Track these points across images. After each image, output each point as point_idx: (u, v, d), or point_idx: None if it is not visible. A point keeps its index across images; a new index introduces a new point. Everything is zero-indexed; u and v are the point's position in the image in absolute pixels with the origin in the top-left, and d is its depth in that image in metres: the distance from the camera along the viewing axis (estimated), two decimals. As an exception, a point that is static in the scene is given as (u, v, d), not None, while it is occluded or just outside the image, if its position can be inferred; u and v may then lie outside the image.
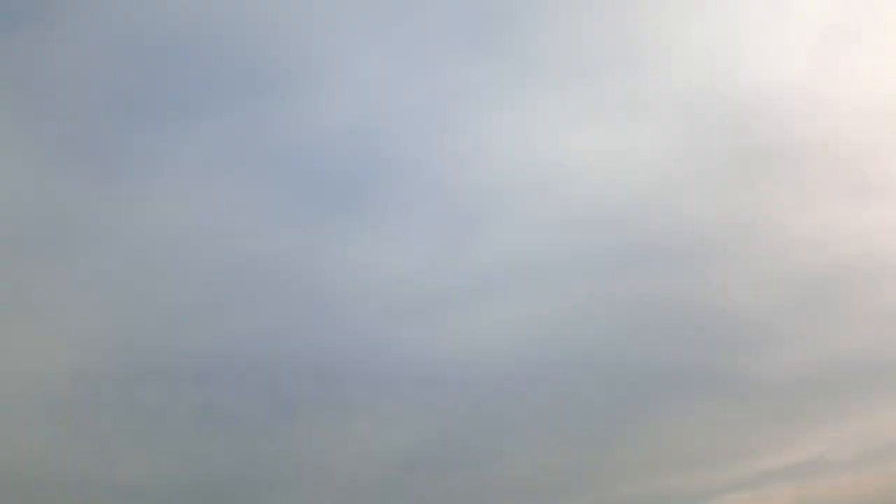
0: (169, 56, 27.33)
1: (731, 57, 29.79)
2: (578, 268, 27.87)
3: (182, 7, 27.49)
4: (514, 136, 29.26)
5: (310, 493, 23.61)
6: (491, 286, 27.60)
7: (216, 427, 23.91)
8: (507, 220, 28.67)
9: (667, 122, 29.51)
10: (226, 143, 27.54)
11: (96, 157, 26.45)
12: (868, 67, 29.57)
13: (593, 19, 29.79)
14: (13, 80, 26.05)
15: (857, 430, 26.49)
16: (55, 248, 24.94)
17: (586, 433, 25.99)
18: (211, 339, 24.72)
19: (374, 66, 29.03)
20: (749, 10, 30.03)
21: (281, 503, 23.36)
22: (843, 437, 26.46)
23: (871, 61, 29.61)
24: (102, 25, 26.90)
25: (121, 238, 25.63)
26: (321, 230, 27.47)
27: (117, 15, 26.95)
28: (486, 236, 28.36)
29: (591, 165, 29.17)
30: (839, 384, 26.79)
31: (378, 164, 28.41)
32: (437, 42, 29.08)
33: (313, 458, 24.25)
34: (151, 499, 22.33)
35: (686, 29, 29.81)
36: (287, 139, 27.99)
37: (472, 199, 28.61)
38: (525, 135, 29.23)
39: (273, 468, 23.71)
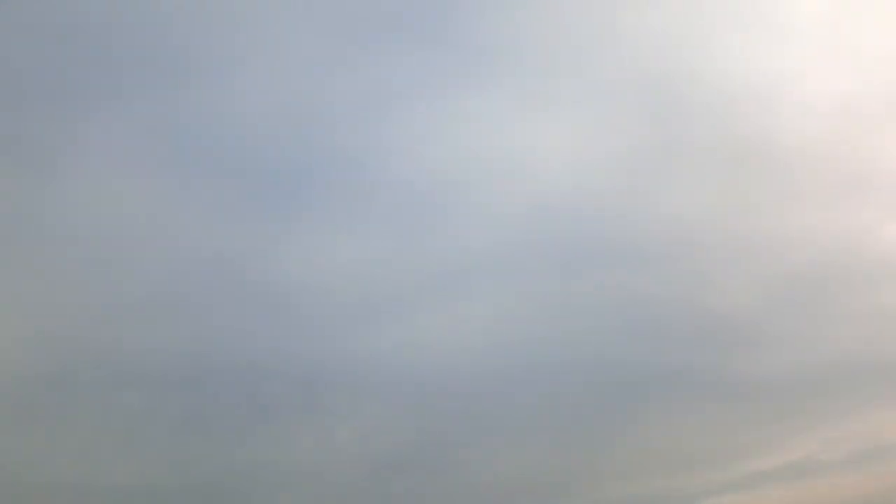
0: (90, 42, 25.41)
1: (695, 48, 28.82)
2: (546, 263, 27.15)
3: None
4: (461, 127, 28.14)
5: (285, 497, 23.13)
6: (456, 282, 26.77)
7: (160, 429, 23.27)
8: (463, 214, 27.77)
9: (626, 114, 28.64)
10: (154, 134, 26.08)
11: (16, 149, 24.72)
12: (839, 62, 28.86)
13: (546, 5, 28.69)
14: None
15: (849, 431, 26.42)
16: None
17: (573, 434, 25.60)
18: (148, 342, 23.77)
19: (305, 52, 27.31)
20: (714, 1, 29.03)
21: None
22: (835, 438, 26.40)
23: (843, 56, 28.89)
24: (9, 10, 24.92)
25: (54, 237, 24.34)
26: (266, 227, 26.41)
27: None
28: (443, 230, 27.45)
29: (544, 158, 28.27)
30: (831, 384, 26.61)
31: (316, 155, 27.11)
32: (375, 27, 27.69)
33: (284, 461, 23.65)
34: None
35: (647, 17, 28.73)
36: (218, 129, 26.45)
37: (423, 192, 27.53)
38: (474, 125, 28.17)
39: (244, 471, 23.14)
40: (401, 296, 26.12)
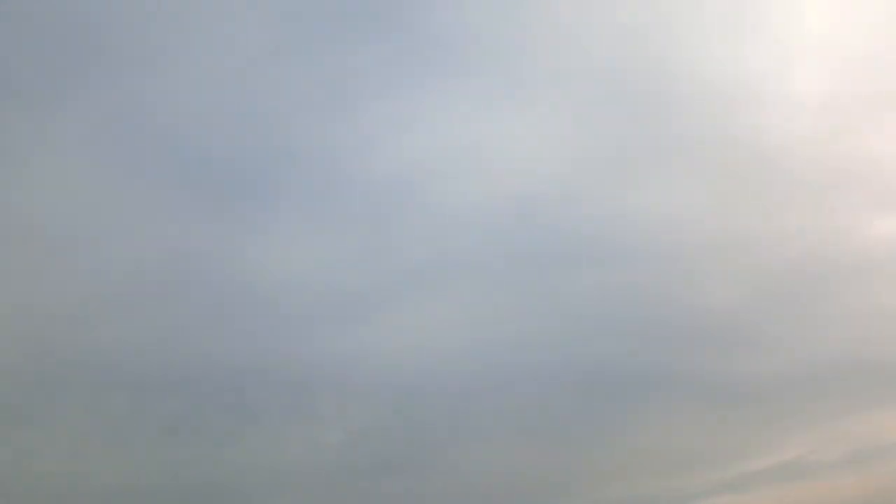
0: (49, 37, 24.53)
1: (675, 40, 28.25)
2: (525, 262, 26.69)
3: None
4: (431, 120, 27.52)
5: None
6: (432, 281, 26.28)
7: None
8: (438, 210, 27.11)
9: (603, 108, 28.12)
10: (116, 130, 25.30)
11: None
12: (822, 58, 28.62)
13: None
14: None
15: (844, 431, 26.19)
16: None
17: (564, 435, 25.21)
18: (103, 341, 23.24)
19: (267, 46, 26.53)
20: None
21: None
22: (830, 438, 26.17)
23: (825, 52, 28.63)
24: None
25: (12, 234, 23.73)
26: (232, 225, 25.82)
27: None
28: (417, 228, 26.89)
29: (519, 153, 27.72)
30: (826, 384, 26.34)
31: (270, 151, 26.48)
32: (333, 17, 26.84)
33: (261, 462, 23.23)
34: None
35: (624, 9, 27.99)
36: (181, 125, 25.79)
37: (395, 188, 26.95)
38: (446, 119, 27.53)
39: (215, 474, 22.68)
40: (374, 295, 25.78)
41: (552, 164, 27.45)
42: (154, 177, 25.51)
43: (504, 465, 24.43)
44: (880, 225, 27.42)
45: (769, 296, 27.13)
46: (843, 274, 27.18)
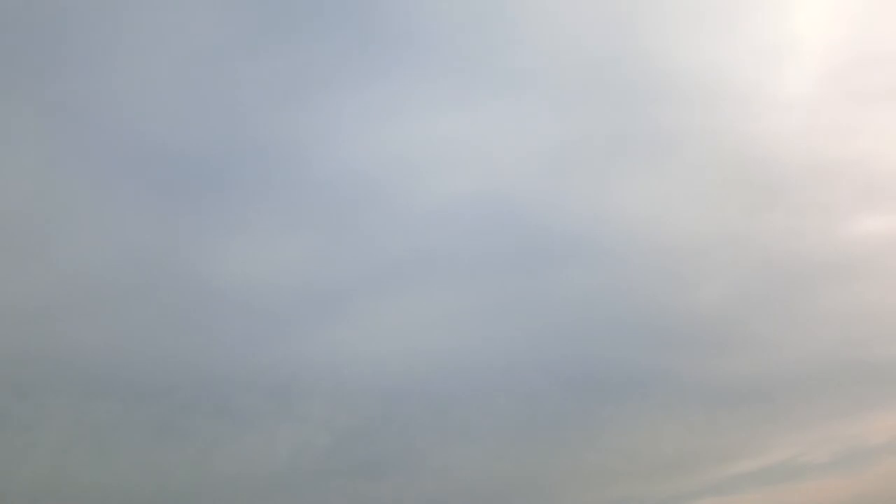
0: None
1: (640, 33, 27.75)
2: (491, 260, 26.22)
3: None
4: (394, 116, 26.94)
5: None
6: (404, 281, 25.78)
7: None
8: (399, 208, 26.53)
9: (574, 103, 27.57)
10: (71, 126, 24.51)
11: None
12: (785, 54, 28.30)
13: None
14: None
15: (829, 434, 26.07)
16: None
17: (548, 437, 24.80)
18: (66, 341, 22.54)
19: (230, 41, 25.81)
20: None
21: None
22: (815, 441, 26.02)
23: (790, 48, 28.28)
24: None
25: None
26: (193, 223, 25.02)
27: None
28: (380, 225, 26.37)
29: (484, 147, 27.25)
30: (810, 387, 26.20)
31: (239, 147, 25.81)
32: (291, 12, 26.18)
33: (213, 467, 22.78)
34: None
35: (592, 1, 27.64)
36: (138, 121, 24.97)
37: (356, 184, 26.35)
38: (407, 114, 26.97)
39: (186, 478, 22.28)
40: (350, 293, 25.32)
41: (532, 159, 27.15)
42: (117, 174, 24.87)
43: (489, 467, 24.04)
44: (864, 223, 27.32)
45: (755, 295, 26.91)
46: (828, 273, 27.06)
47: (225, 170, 25.64)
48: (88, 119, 24.67)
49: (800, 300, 26.97)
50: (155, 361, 22.66)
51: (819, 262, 27.06)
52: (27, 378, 21.89)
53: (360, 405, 23.96)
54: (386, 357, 24.38)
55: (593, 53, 27.47)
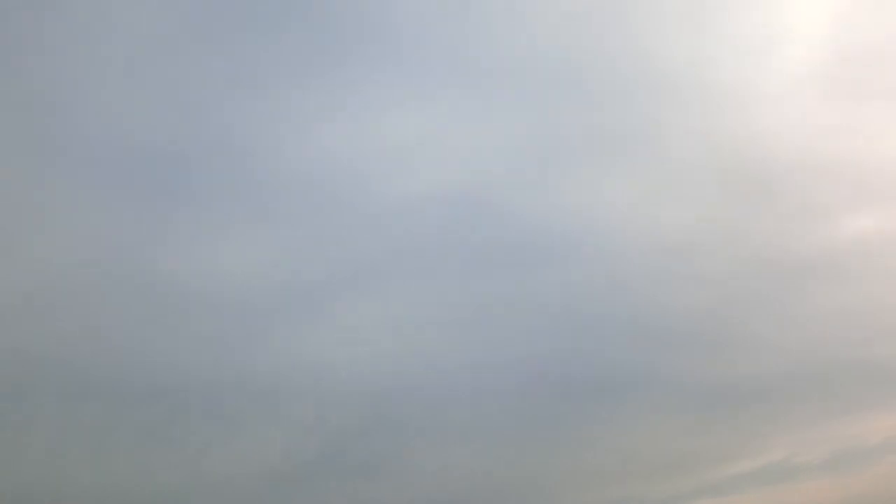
0: None
1: (607, 29, 27.39)
2: (467, 259, 25.86)
3: None
4: (355, 114, 26.46)
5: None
6: (367, 279, 25.41)
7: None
8: (366, 206, 26.07)
9: (536, 97, 27.08)
10: (19, 123, 23.93)
11: None
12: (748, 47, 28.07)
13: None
14: None
15: (827, 434, 25.91)
16: None
17: (536, 439, 24.58)
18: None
19: (181, 35, 25.12)
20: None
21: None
22: (808, 442, 25.94)
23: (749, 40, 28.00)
24: None
25: None
26: (155, 224, 24.55)
27: None
28: (348, 223, 25.92)
29: (447, 146, 26.85)
30: (803, 387, 26.10)
31: (199, 146, 25.20)
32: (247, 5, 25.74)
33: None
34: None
35: None
36: (89, 119, 24.34)
37: (320, 185, 25.83)
38: (365, 112, 26.47)
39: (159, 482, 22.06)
40: (326, 294, 24.98)
41: (504, 156, 26.87)
42: (70, 174, 24.28)
43: (476, 468, 23.96)
44: (856, 221, 27.30)
45: (747, 295, 26.77)
46: (821, 271, 26.95)
47: (195, 168, 25.33)
48: (42, 122, 24.23)
49: (793, 299, 26.87)
50: (131, 360, 22.53)
51: (812, 261, 27.04)
52: (16, 379, 21.91)
53: (347, 406, 23.86)
54: (370, 357, 24.22)
55: (572, 48, 27.21)
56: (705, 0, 27.63)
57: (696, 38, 27.67)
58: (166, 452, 22.46)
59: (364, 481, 23.38)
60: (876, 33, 27.44)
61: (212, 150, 25.51)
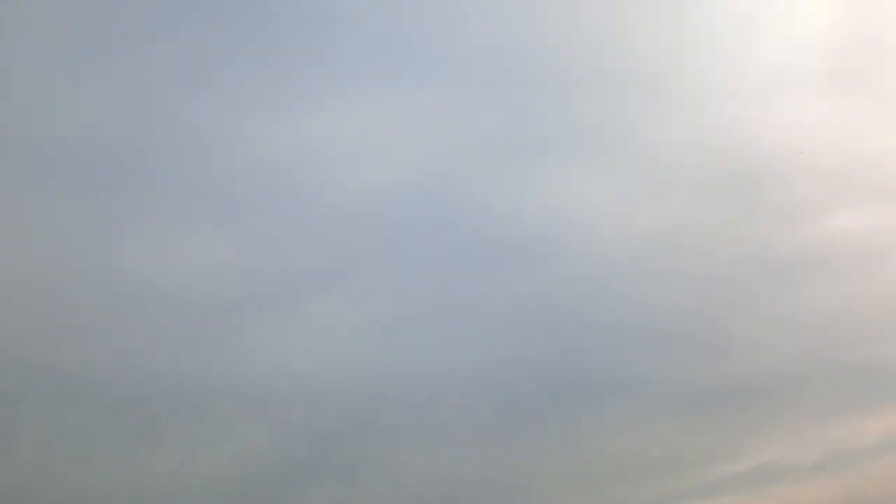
0: None
1: (556, 21, 26.72)
2: (428, 260, 25.17)
3: None
4: (308, 108, 25.69)
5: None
6: (328, 280, 24.79)
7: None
8: (319, 206, 25.37)
9: (483, 92, 26.44)
10: None
11: None
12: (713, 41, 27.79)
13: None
14: None
15: (817, 435, 25.64)
16: None
17: (520, 441, 24.09)
18: None
19: (120, 29, 24.43)
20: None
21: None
22: (801, 442, 25.61)
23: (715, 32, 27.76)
24: None
25: None
26: (107, 223, 23.90)
27: None
28: (305, 227, 25.37)
29: (397, 145, 26.29)
30: (794, 389, 25.82)
31: (145, 146, 24.54)
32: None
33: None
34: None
35: None
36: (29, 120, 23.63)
37: (277, 185, 25.19)
38: (314, 110, 25.78)
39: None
40: (292, 293, 24.48)
41: (478, 151, 26.38)
42: (28, 174, 23.74)
43: (454, 472, 23.58)
44: (837, 219, 27.14)
45: (731, 295, 26.50)
46: (804, 271, 26.71)
47: (158, 165, 24.86)
48: (5, 116, 23.69)
49: (781, 298, 26.58)
50: (94, 361, 22.06)
51: (800, 259, 26.79)
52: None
53: (322, 408, 23.47)
54: (346, 357, 23.80)
55: (547, 39, 26.81)
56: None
57: (675, 31, 27.49)
58: (114, 458, 22.05)
59: (343, 485, 22.97)
60: (861, 29, 27.56)
61: (175, 145, 25.04)
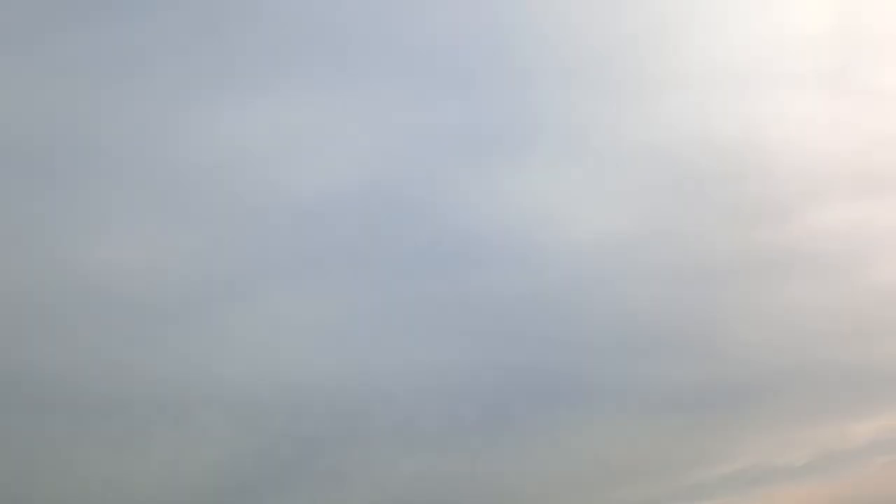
0: None
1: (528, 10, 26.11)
2: (385, 261, 24.56)
3: None
4: (240, 108, 24.88)
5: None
6: (281, 285, 24.18)
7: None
8: (258, 207, 24.49)
9: (430, 89, 25.85)
10: None
11: None
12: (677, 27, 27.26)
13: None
14: None
15: (805, 437, 25.42)
16: None
17: (491, 448, 23.75)
18: None
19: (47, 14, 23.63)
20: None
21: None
22: (790, 444, 25.37)
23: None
24: None
25: None
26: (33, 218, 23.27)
27: None
28: (248, 224, 24.55)
29: (340, 145, 25.57)
30: (784, 389, 25.59)
31: (74, 138, 23.82)
32: None
33: None
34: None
35: None
36: None
37: (220, 179, 24.37)
38: (254, 106, 24.94)
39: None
40: (237, 299, 23.77)
41: (424, 150, 25.61)
42: None
43: (440, 474, 23.43)
44: (815, 215, 26.79)
45: (713, 294, 26.20)
46: (786, 270, 26.40)
47: (90, 159, 24.17)
48: None
49: (766, 298, 26.31)
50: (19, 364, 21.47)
51: (781, 258, 26.45)
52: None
53: (303, 412, 23.26)
54: (324, 360, 23.49)
55: (493, 31, 26.29)
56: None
57: (626, 19, 26.88)
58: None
59: (329, 488, 22.82)
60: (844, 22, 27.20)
61: (106, 140, 24.30)
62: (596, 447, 24.47)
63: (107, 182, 24.00)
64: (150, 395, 21.93)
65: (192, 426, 22.20)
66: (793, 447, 25.19)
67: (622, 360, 25.01)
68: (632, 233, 26.07)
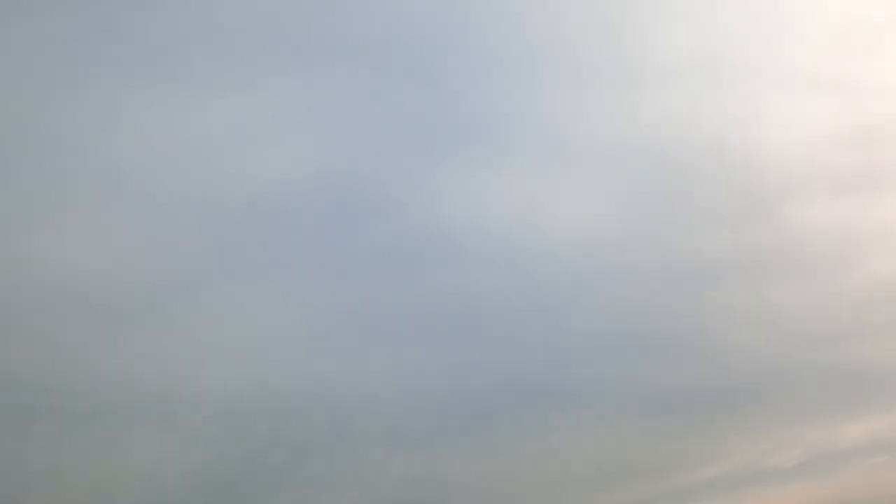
0: None
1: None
2: (353, 261, 24.07)
3: None
4: (185, 102, 23.98)
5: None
6: (241, 285, 23.52)
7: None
8: (202, 203, 23.81)
9: (384, 78, 25.28)
10: None
11: None
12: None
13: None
14: None
15: (796, 438, 25.39)
16: None
17: (474, 448, 23.66)
18: None
19: None
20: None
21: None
22: (780, 446, 25.36)
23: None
24: None
25: None
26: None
27: None
28: (204, 224, 23.95)
29: (292, 136, 24.82)
30: (772, 391, 25.57)
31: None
32: None
33: None
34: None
35: None
36: None
37: (157, 179, 23.65)
38: (198, 99, 24.17)
39: None
40: (154, 301, 22.87)
41: (381, 144, 25.05)
42: None
43: (429, 477, 23.31)
44: (799, 213, 26.81)
45: (701, 295, 26.08)
46: (771, 270, 26.39)
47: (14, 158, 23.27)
48: None
49: (755, 299, 26.23)
50: None
51: (769, 258, 26.39)
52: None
53: (288, 416, 23.12)
54: (302, 364, 23.16)
55: (467, 26, 25.74)
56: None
57: (607, 17, 26.64)
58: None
59: (315, 492, 22.66)
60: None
61: (52, 132, 23.60)
62: (584, 449, 24.36)
63: (52, 177, 23.38)
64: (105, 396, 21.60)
65: (185, 430, 22.13)
66: (782, 449, 25.23)
67: (609, 362, 24.91)
68: (615, 232, 25.95)
